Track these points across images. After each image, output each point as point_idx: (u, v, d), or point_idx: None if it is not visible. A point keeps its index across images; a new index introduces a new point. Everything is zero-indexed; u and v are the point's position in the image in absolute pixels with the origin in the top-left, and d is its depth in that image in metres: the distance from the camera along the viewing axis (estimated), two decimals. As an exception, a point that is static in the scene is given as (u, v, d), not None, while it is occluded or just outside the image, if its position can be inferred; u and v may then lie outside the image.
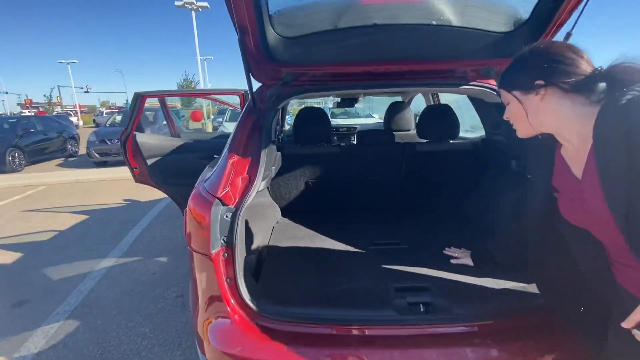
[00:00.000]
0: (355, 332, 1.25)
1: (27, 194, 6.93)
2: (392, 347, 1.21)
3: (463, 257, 1.66)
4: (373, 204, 2.46)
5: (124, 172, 7.25)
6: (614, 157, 0.76)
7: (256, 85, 1.88)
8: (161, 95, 2.97)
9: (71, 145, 12.22)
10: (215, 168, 1.52)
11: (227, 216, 1.34)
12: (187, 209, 1.39)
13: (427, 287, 1.47)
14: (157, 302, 2.92)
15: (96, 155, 9.51)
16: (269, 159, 1.76)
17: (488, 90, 1.78)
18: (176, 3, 17.44)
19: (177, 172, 2.90)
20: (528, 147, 1.71)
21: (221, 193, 1.33)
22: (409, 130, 3.24)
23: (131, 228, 4.70)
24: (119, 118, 11.73)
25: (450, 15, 1.60)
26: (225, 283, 1.34)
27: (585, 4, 1.39)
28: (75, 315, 2.83)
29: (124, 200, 6.17)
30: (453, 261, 1.66)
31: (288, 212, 2.42)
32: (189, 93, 3.43)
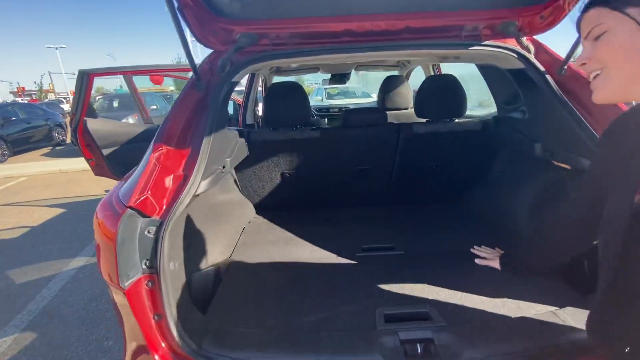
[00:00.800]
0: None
1: (5, 187, 6.58)
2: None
3: (491, 258, 1.29)
4: (362, 198, 2.08)
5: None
6: None
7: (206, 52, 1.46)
8: (111, 73, 2.55)
9: (58, 133, 11.77)
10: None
11: (149, 232, 0.97)
12: (95, 222, 1.02)
13: (428, 314, 1.12)
14: (124, 310, 2.60)
15: (81, 143, 9.07)
16: (219, 149, 1.37)
17: (507, 52, 1.36)
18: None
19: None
20: (556, 125, 1.33)
21: (137, 201, 0.95)
22: (406, 109, 2.82)
23: (108, 222, 4.35)
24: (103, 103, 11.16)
25: None
26: (153, 322, 0.98)
27: None
28: (33, 325, 2.52)
29: (106, 190, 5.80)
30: (478, 261, 1.30)
31: (263, 208, 2.05)
32: (145, 71, 2.98)
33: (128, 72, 2.64)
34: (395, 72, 3.49)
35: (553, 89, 1.27)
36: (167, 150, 1.09)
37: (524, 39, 1.38)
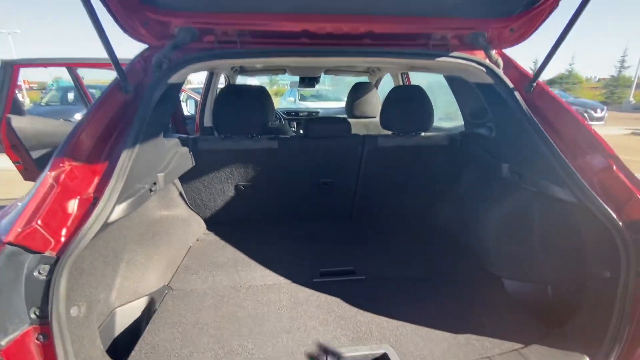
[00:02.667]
0: None
1: None
2: None
3: None
4: (325, 213, 1.93)
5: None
6: None
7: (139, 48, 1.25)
8: (38, 65, 2.22)
9: (2, 126, 10.69)
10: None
11: (40, 272, 0.76)
12: None
13: (386, 357, 0.99)
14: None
15: (27, 138, 8.27)
16: (148, 164, 1.17)
17: (475, 65, 1.27)
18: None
19: None
20: (525, 146, 1.26)
21: (20, 234, 0.73)
22: (374, 117, 2.71)
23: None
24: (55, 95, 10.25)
25: None
26: None
27: None
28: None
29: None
30: None
31: (214, 223, 1.84)
32: (75, 63, 2.66)
33: (59, 64, 2.32)
34: (365, 79, 3.39)
35: (522, 108, 1.19)
36: (72, 167, 0.88)
37: (493, 52, 1.30)
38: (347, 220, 1.96)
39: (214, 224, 1.84)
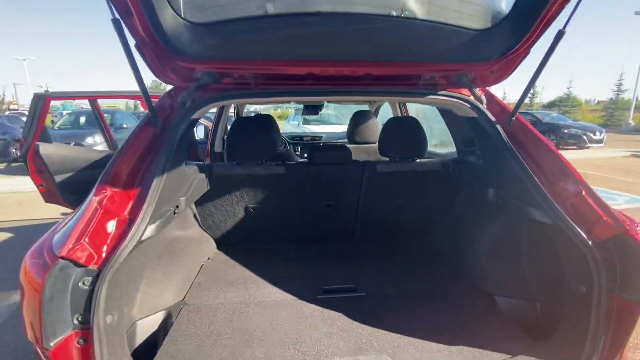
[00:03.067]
0: None
1: (-54, 207, 5.99)
2: None
3: None
4: (327, 234, 2.06)
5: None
6: None
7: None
8: (67, 98, 2.43)
9: (15, 148, 11.04)
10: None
11: (84, 283, 0.89)
12: (22, 270, 0.92)
13: None
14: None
15: (39, 161, 8.53)
16: (173, 189, 1.32)
17: (460, 102, 1.44)
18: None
19: None
20: (507, 173, 1.40)
21: (70, 250, 0.87)
22: (374, 143, 2.88)
23: (60, 250, 4.03)
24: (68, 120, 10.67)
25: (415, 6, 1.24)
26: None
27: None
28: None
29: (62, 214, 5.42)
30: None
31: (224, 243, 1.97)
32: (103, 95, 2.86)
33: (86, 97, 2.53)
34: (365, 106, 3.60)
35: (503, 139, 1.34)
36: (113, 192, 1.03)
37: (477, 90, 1.46)
38: (349, 240, 2.09)
39: (224, 244, 1.97)
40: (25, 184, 7.35)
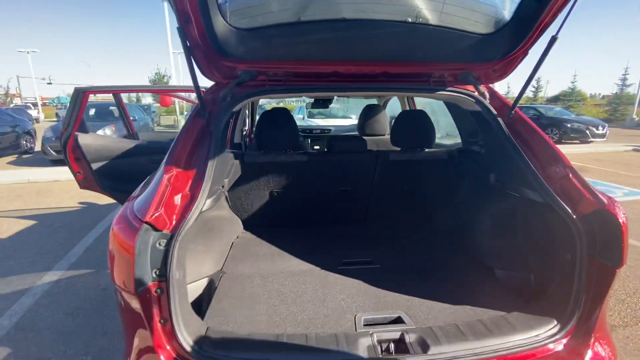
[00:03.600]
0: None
1: (-32, 196, 6.24)
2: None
3: None
4: (343, 216, 2.28)
5: (81, 172, 6.66)
6: None
7: (207, 83, 1.64)
8: (106, 91, 2.64)
9: (26, 140, 11.28)
10: (149, 184, 1.27)
11: (160, 244, 1.10)
12: (111, 234, 1.13)
13: (400, 319, 1.30)
14: (104, 324, 2.60)
15: (52, 152, 8.75)
16: (220, 171, 1.53)
17: (466, 97, 1.63)
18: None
19: (128, 178, 2.58)
20: (506, 160, 1.60)
21: (152, 216, 1.08)
22: (383, 135, 3.08)
23: (84, 235, 4.27)
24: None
25: (427, 13, 1.43)
26: (159, 325, 1.10)
27: (573, 6, 1.25)
28: (6, 340, 2.46)
29: (80, 203, 5.66)
30: None
31: (251, 225, 2.19)
32: (139, 89, 3.08)
33: (125, 91, 2.73)
34: (374, 101, 3.79)
35: (503, 130, 1.53)
36: (177, 172, 1.24)
37: (481, 87, 1.66)
38: (363, 222, 2.30)
39: (250, 225, 2.18)
40: (40, 175, 7.61)
